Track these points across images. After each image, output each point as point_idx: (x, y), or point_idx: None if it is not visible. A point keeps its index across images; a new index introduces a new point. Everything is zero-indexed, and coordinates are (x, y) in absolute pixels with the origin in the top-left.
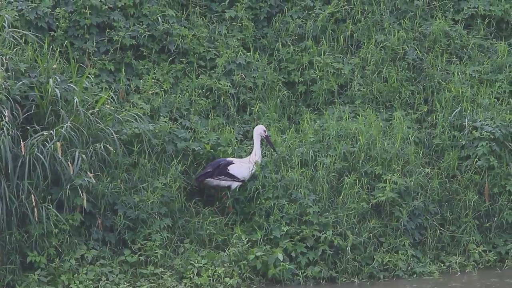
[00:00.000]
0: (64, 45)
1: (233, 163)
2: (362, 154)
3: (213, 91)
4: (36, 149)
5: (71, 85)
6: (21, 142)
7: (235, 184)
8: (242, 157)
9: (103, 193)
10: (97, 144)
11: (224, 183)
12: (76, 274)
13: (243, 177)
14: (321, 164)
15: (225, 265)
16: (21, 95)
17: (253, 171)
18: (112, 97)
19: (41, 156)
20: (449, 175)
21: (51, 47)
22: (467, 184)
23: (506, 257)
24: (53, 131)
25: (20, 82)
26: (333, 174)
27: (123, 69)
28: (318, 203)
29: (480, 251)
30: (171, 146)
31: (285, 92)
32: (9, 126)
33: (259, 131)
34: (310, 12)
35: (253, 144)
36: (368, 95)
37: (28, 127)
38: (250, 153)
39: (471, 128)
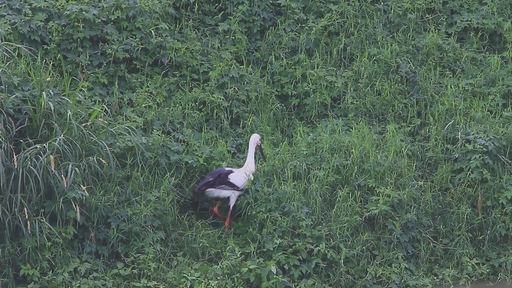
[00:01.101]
0: (57, 58)
1: (232, 172)
2: (355, 167)
3: (206, 104)
4: (29, 162)
5: (64, 98)
6: (14, 155)
7: (235, 194)
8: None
9: (96, 206)
10: (90, 157)
11: (225, 193)
12: (69, 287)
13: (243, 186)
14: (314, 177)
15: (218, 278)
16: (14, 108)
17: (247, 180)
18: (105, 110)
19: (34, 169)
20: (442, 188)
21: (44, 60)
22: (460, 197)
23: (499, 270)
24: (46, 144)
25: (13, 96)
26: (326, 187)
27: (116, 82)
28: (311, 216)
29: (473, 264)
30: (164, 159)
31: (278, 105)
32: (2, 139)
33: (255, 139)
34: (303, 25)
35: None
36: (361, 108)
37: (21, 140)
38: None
39: (464, 141)
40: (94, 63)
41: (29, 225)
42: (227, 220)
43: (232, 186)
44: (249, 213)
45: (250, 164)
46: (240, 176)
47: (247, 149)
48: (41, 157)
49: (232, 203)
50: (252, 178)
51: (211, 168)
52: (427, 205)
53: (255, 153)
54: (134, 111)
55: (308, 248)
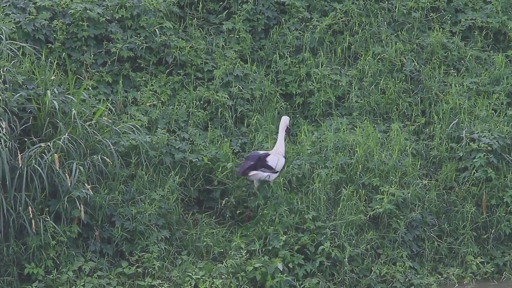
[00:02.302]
0: (62, 57)
1: (269, 155)
2: (360, 165)
3: (210, 103)
4: (33, 161)
5: (68, 97)
6: (19, 154)
7: (272, 176)
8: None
9: (100, 205)
10: (94, 156)
11: (264, 175)
12: (74, 286)
13: (279, 169)
14: (318, 176)
15: (223, 276)
16: (19, 107)
17: (282, 163)
18: (109, 109)
19: (38, 168)
20: (446, 187)
21: (48, 59)
22: (464, 195)
23: (504, 269)
24: (50, 143)
25: (18, 94)
26: (331, 185)
27: (120, 81)
28: (315, 213)
29: (478, 262)
30: (169, 158)
31: (282, 104)
32: (7, 138)
33: (286, 122)
34: (307, 24)
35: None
36: (366, 107)
37: (26, 139)
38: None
39: (468, 140)
40: (98, 61)
41: (33, 223)
42: (247, 214)
43: (270, 168)
44: (259, 214)
45: (280, 146)
46: (275, 158)
47: (277, 131)
48: (46, 155)
49: (270, 182)
50: (283, 162)
51: (216, 168)
52: (432, 204)
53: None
54: (138, 110)
55: (316, 240)
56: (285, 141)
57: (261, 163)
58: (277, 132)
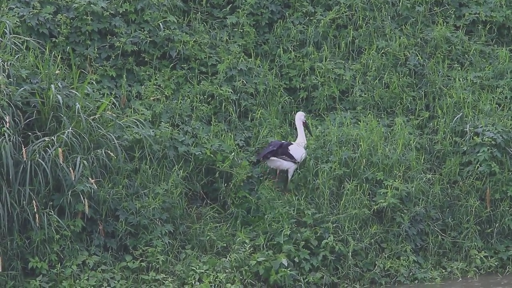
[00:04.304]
0: (66, 51)
1: (292, 144)
2: (364, 160)
3: (214, 97)
4: (37, 155)
5: (72, 91)
6: (23, 148)
7: (293, 167)
8: None
9: (104, 199)
10: (98, 150)
11: (286, 164)
12: (78, 280)
13: (300, 159)
14: (322, 170)
15: (227, 271)
16: (23, 101)
17: (304, 156)
18: (113, 103)
19: (42, 162)
20: (450, 181)
21: (52, 53)
22: (468, 190)
23: (508, 263)
24: (54, 137)
25: (22, 88)
26: (334, 180)
27: (124, 75)
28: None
29: (482, 257)
30: (172, 152)
31: (286, 98)
32: (11, 132)
33: (300, 117)
34: (311, 18)
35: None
36: (370, 101)
37: (30, 133)
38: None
39: (472, 134)
40: (102, 56)
41: (37, 218)
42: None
43: (291, 158)
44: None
45: (301, 138)
46: (298, 149)
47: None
48: (50, 150)
49: (290, 174)
50: (305, 154)
51: (218, 159)
52: (436, 198)
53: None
54: (142, 104)
55: (317, 235)
56: (305, 134)
57: (282, 150)
58: (295, 128)
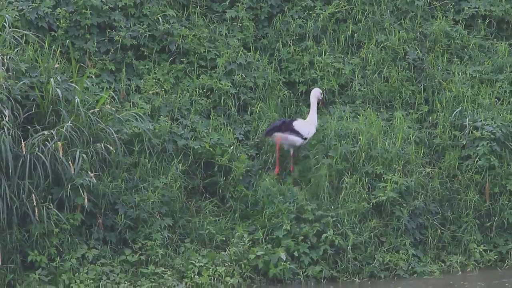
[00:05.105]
0: (65, 45)
1: (296, 120)
2: (363, 154)
3: (213, 91)
4: (37, 149)
5: (72, 85)
6: (22, 142)
7: (299, 141)
8: None
9: (103, 193)
10: (97, 144)
11: (291, 138)
12: (77, 274)
13: (307, 135)
14: (322, 164)
15: (226, 264)
16: (22, 95)
17: (312, 132)
18: (112, 97)
19: (42, 156)
20: (449, 175)
21: (52, 47)
22: (467, 183)
23: (507, 257)
24: (54, 130)
25: (21, 82)
26: (334, 174)
27: (123, 69)
28: (318, 203)
29: (481, 250)
30: (171, 145)
31: (285, 92)
32: (10, 125)
33: (316, 94)
34: (310, 12)
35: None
36: (369, 95)
37: (29, 127)
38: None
39: (471, 128)
40: (101, 50)
41: (36, 211)
42: (291, 166)
43: (297, 134)
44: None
45: (312, 116)
46: (304, 125)
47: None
48: (49, 143)
49: (296, 148)
50: (313, 130)
51: (217, 153)
52: (435, 192)
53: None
54: (141, 98)
55: (315, 230)
56: (318, 113)
57: (286, 126)
58: (309, 105)
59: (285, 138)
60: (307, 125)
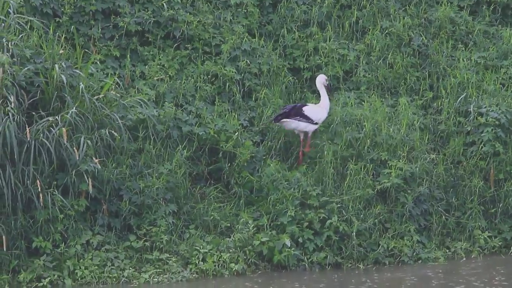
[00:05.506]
0: (70, 31)
1: (307, 105)
2: (368, 140)
3: (218, 77)
4: (41, 135)
5: (76, 71)
6: (27, 128)
7: (311, 127)
8: None
9: (108, 179)
10: (102, 130)
11: (303, 125)
12: (82, 260)
13: (317, 120)
14: (326, 150)
15: (230, 250)
16: (27, 81)
17: (324, 117)
18: (117, 83)
19: (46, 142)
20: (454, 161)
21: (56, 33)
22: (472, 170)
23: (511, 243)
24: (58, 117)
25: (26, 68)
26: (339, 160)
27: (128, 55)
28: (322, 188)
29: (486, 237)
30: (176, 131)
31: (290, 78)
32: (15, 111)
33: (321, 80)
34: None
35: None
36: (374, 81)
37: (34, 113)
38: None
39: (476, 114)
40: (106, 36)
41: (41, 197)
42: (306, 147)
43: (307, 119)
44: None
45: (324, 100)
46: (314, 110)
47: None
48: (54, 129)
49: (309, 133)
50: (324, 114)
51: (222, 139)
52: (439, 178)
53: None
54: (146, 84)
55: (320, 217)
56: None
57: (296, 111)
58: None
59: (296, 124)
60: (318, 110)
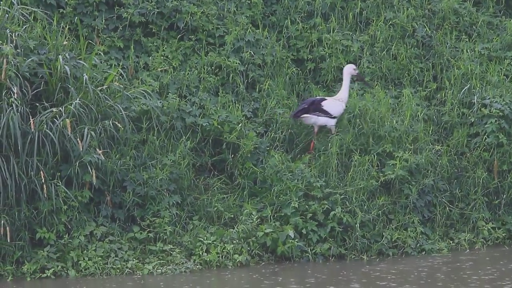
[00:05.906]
0: (74, 22)
1: (325, 100)
2: (371, 131)
3: (222, 69)
4: (45, 126)
5: (80, 62)
6: (30, 119)
7: (331, 122)
8: None
9: (112, 170)
10: (106, 121)
11: (322, 120)
12: (85, 251)
13: (337, 114)
14: (330, 141)
15: (234, 242)
16: (30, 72)
17: (342, 111)
18: (121, 74)
19: (50, 133)
20: (458, 152)
21: (60, 24)
22: (476, 161)
23: None
24: (62, 108)
25: (29, 59)
26: (344, 152)
27: (132, 46)
28: (326, 179)
29: (489, 228)
30: (180, 123)
31: (294, 69)
32: (18, 103)
33: (349, 70)
34: None
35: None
36: (377, 73)
37: (37, 104)
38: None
39: (480, 105)
40: (110, 27)
41: (45, 188)
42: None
43: (326, 113)
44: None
45: (343, 92)
46: (333, 104)
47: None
48: (57, 120)
49: (332, 130)
50: (344, 107)
51: (225, 130)
52: (443, 170)
53: (352, 82)
54: (149, 75)
55: (324, 208)
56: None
57: (315, 106)
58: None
59: (315, 119)
60: (337, 104)
